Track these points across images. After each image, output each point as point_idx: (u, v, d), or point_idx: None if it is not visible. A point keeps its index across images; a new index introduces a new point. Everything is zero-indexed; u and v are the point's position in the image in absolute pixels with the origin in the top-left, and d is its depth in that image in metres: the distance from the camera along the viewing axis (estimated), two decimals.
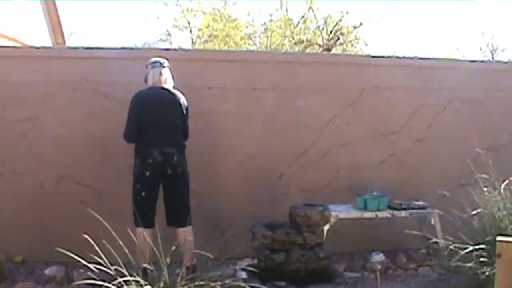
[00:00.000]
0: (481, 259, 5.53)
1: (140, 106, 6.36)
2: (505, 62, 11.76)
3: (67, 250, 4.82)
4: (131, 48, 8.78)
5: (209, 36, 22.43)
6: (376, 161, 7.87)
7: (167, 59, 6.56)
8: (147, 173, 6.25)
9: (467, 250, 5.58)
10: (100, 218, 5.07)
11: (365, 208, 7.21)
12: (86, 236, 4.83)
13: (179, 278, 4.84)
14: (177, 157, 6.37)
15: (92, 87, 7.20)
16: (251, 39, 22.73)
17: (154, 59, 6.58)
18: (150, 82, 6.50)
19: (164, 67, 6.52)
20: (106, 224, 4.97)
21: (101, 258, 4.71)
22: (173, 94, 6.45)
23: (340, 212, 7.09)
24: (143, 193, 6.28)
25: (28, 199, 7.13)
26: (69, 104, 7.19)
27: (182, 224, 6.35)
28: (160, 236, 4.90)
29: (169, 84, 6.51)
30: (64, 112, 7.18)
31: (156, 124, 6.32)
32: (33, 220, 7.09)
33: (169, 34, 28.67)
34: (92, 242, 4.78)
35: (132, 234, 5.02)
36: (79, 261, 4.75)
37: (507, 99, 8.22)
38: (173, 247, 4.95)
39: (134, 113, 6.35)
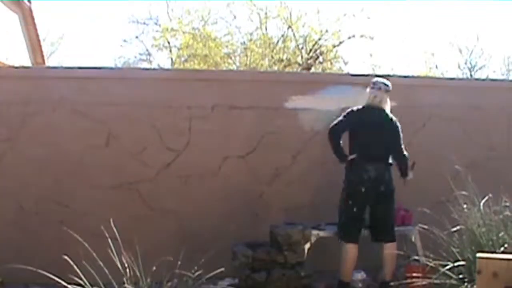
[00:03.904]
0: (461, 276, 5.55)
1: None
2: (484, 80, 11.86)
3: (47, 271, 4.78)
4: (111, 68, 8.79)
5: (189, 55, 22.46)
6: None
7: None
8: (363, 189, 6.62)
9: (447, 267, 5.60)
10: (80, 239, 5.04)
11: None
12: (65, 257, 4.80)
13: None
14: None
15: (71, 107, 7.17)
16: (230, 58, 22.77)
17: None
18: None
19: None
20: (86, 245, 4.95)
21: (81, 279, 4.68)
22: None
23: (320, 230, 7.08)
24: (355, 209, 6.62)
25: (7, 219, 7.07)
26: (48, 125, 7.15)
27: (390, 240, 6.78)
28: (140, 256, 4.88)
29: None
30: (43, 133, 7.14)
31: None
32: (12, 241, 7.02)
33: (149, 54, 28.68)
34: (72, 263, 4.74)
35: (112, 255, 4.98)
36: (59, 282, 4.72)
37: (486, 117, 8.28)
38: (154, 268, 4.93)
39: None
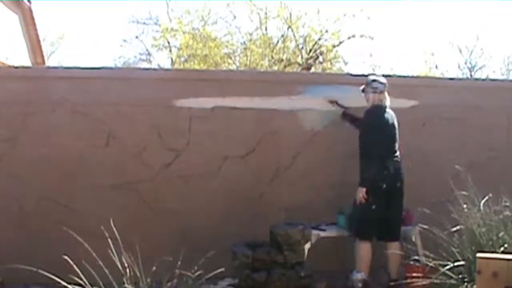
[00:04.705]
0: (461, 276, 5.55)
1: None
2: (484, 80, 11.84)
3: (47, 271, 4.78)
4: (111, 68, 8.78)
5: (189, 55, 22.43)
6: (357, 179, 7.87)
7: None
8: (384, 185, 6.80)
9: (447, 267, 5.59)
10: (80, 239, 5.04)
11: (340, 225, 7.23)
12: (65, 257, 4.80)
13: None
14: None
15: (71, 107, 7.17)
16: (230, 58, 22.74)
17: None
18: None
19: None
20: (86, 245, 4.94)
21: (81, 279, 4.68)
22: None
23: (320, 230, 7.07)
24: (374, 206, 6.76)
25: (7, 219, 7.07)
26: (48, 125, 7.15)
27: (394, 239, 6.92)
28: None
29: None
30: (43, 133, 7.14)
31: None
32: (12, 241, 7.02)
33: (149, 54, 28.69)
34: (71, 263, 4.74)
35: (111, 254, 4.97)
36: (59, 282, 4.71)
37: (486, 116, 8.27)
38: (154, 268, 4.93)
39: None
